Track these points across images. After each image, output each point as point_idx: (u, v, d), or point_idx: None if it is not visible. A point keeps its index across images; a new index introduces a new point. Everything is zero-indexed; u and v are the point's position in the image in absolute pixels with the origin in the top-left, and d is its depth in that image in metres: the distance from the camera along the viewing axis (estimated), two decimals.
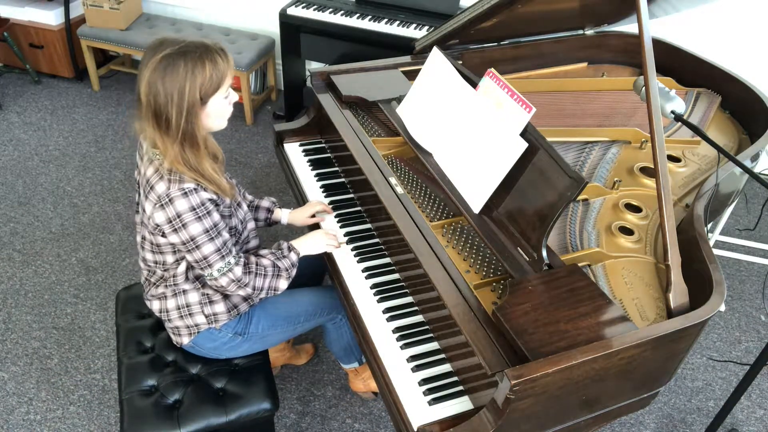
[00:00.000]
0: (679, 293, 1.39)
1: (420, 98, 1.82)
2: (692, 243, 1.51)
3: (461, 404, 1.40)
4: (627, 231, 1.68)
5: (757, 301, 2.75)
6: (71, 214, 2.98)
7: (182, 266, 1.58)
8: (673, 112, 1.64)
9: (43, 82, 4.01)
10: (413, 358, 1.49)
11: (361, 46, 3.17)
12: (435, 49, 1.81)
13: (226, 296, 1.65)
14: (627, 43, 2.49)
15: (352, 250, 1.78)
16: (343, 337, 1.95)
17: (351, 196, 1.98)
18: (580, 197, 1.78)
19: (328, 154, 2.15)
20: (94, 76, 3.91)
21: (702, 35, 3.05)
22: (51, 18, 3.73)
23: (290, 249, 1.68)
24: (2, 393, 2.19)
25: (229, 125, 1.57)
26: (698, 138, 2.06)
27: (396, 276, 1.71)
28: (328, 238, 1.75)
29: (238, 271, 1.54)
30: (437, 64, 1.78)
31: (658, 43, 2.15)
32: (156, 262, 1.61)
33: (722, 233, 3.06)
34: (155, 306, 1.69)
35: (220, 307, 1.64)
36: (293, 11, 3.17)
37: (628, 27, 2.48)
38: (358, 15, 3.12)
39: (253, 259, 1.60)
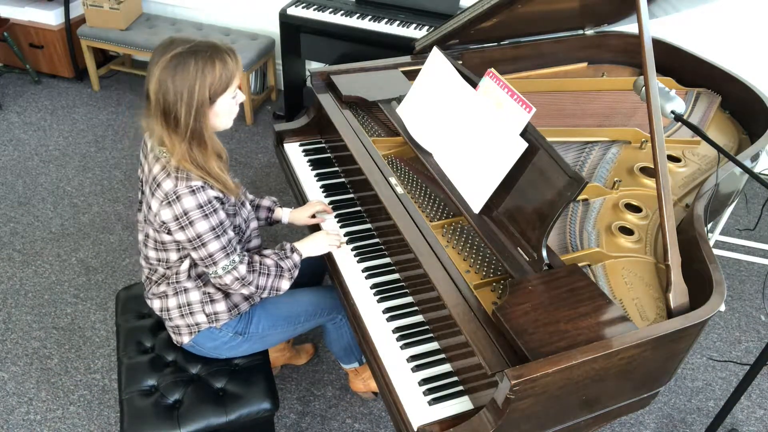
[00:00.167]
0: (679, 293, 1.39)
1: (420, 98, 1.82)
2: (692, 243, 1.51)
3: (461, 404, 1.40)
4: (627, 231, 1.68)
5: (757, 301, 2.75)
6: (71, 214, 2.98)
7: (185, 264, 1.58)
8: (673, 112, 1.65)
9: (43, 82, 4.01)
10: (413, 358, 1.49)
11: (361, 46, 3.17)
12: (435, 49, 1.81)
13: (227, 295, 1.65)
14: (627, 43, 2.50)
15: (352, 250, 1.78)
16: (343, 337, 1.95)
17: (351, 196, 1.98)
18: (580, 197, 1.78)
19: (328, 154, 2.15)
20: (94, 76, 3.91)
21: (702, 35, 3.05)
22: (51, 18, 3.73)
23: (293, 250, 1.68)
24: (2, 393, 2.19)
25: None
26: (698, 138, 2.06)
27: (396, 276, 1.71)
28: (330, 239, 1.75)
29: (243, 269, 1.55)
30: (437, 64, 1.78)
31: (658, 43, 2.15)
32: (159, 260, 1.61)
33: (722, 233, 3.06)
34: (156, 305, 1.69)
35: (220, 306, 1.64)
36: (293, 11, 3.17)
37: (628, 27, 2.48)
38: (358, 15, 3.12)
39: (256, 258, 1.61)
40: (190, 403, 1.65)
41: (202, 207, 1.44)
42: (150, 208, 1.48)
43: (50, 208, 3.01)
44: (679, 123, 1.74)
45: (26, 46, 3.86)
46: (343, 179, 2.05)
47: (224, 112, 1.48)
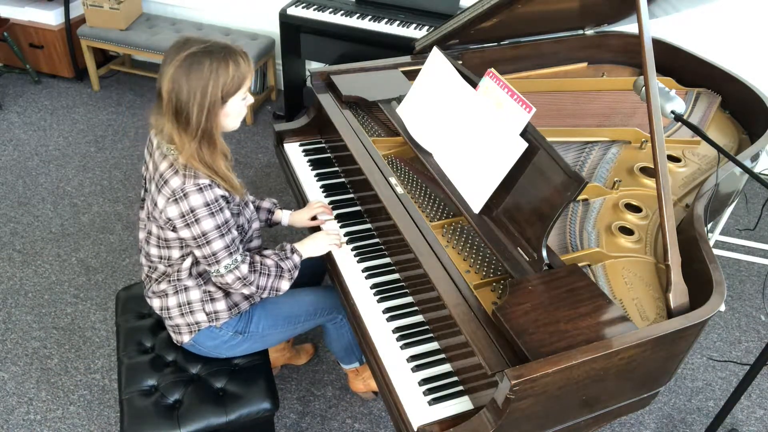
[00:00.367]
0: (679, 293, 1.39)
1: (420, 98, 1.82)
2: (692, 243, 1.51)
3: (461, 404, 1.40)
4: (627, 231, 1.68)
5: (757, 301, 2.75)
6: (71, 214, 2.98)
7: (187, 262, 1.59)
8: (673, 112, 1.65)
9: (43, 82, 4.01)
10: (413, 358, 1.49)
11: (361, 46, 3.17)
12: (435, 49, 1.81)
13: (227, 294, 1.65)
14: (627, 43, 2.50)
15: (352, 250, 1.78)
16: (343, 337, 1.95)
17: (351, 196, 1.98)
18: (580, 197, 1.78)
19: (328, 154, 2.15)
20: (94, 76, 3.91)
21: (702, 35, 3.05)
22: (51, 18, 3.73)
23: (293, 251, 1.69)
24: (2, 393, 2.19)
25: None
26: (698, 138, 2.06)
27: (396, 276, 1.71)
28: (330, 238, 1.76)
29: (245, 268, 1.55)
30: (437, 64, 1.78)
31: (658, 43, 2.15)
32: (161, 257, 1.61)
33: (722, 233, 3.06)
34: (155, 304, 1.69)
35: (221, 305, 1.64)
36: (293, 11, 3.17)
37: (628, 27, 2.48)
38: (358, 15, 3.12)
39: (257, 258, 1.61)
40: (190, 403, 1.65)
41: (208, 205, 1.45)
42: (156, 204, 1.49)
43: (50, 208, 3.01)
44: (679, 123, 1.74)
45: (26, 46, 3.86)
46: (343, 179, 2.05)
47: (234, 113, 1.50)
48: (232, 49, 1.44)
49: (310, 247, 1.73)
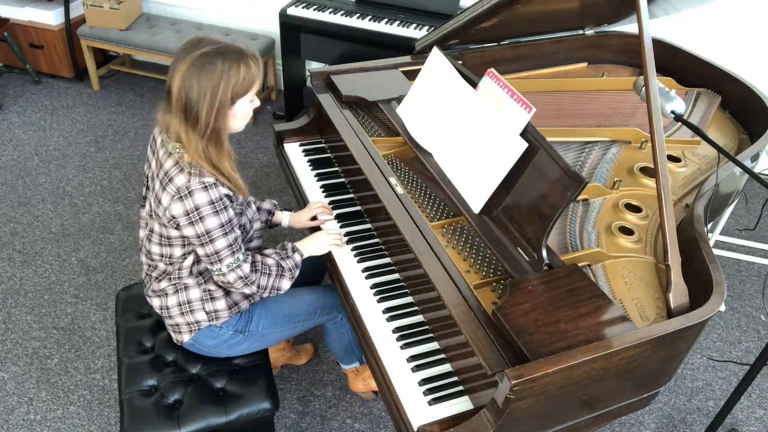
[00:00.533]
0: (679, 293, 1.39)
1: (420, 98, 1.82)
2: (692, 243, 1.51)
3: (461, 404, 1.40)
4: (627, 231, 1.68)
5: (757, 301, 2.75)
6: (71, 214, 2.98)
7: (188, 260, 1.59)
8: (673, 112, 1.65)
9: (43, 82, 4.01)
10: (413, 358, 1.49)
11: (361, 46, 3.17)
12: (435, 49, 1.81)
13: (227, 293, 1.65)
14: (627, 43, 2.50)
15: (352, 250, 1.78)
16: (343, 337, 1.95)
17: (351, 196, 1.98)
18: (580, 197, 1.78)
19: (328, 154, 2.15)
20: (94, 76, 3.91)
21: (702, 35, 3.05)
22: (51, 18, 3.73)
23: (294, 250, 1.69)
24: (2, 393, 2.19)
25: None
26: (698, 138, 2.06)
27: (396, 276, 1.71)
28: (331, 238, 1.76)
29: (247, 267, 1.56)
30: (437, 64, 1.78)
31: (658, 43, 2.15)
32: (162, 255, 1.61)
33: (722, 233, 3.06)
34: (155, 303, 1.69)
35: (221, 303, 1.65)
36: (293, 11, 3.17)
37: (628, 27, 2.48)
38: (358, 15, 3.12)
39: (258, 257, 1.62)
40: (190, 403, 1.65)
41: (213, 203, 1.46)
42: (160, 202, 1.49)
43: (50, 208, 3.01)
44: (679, 123, 1.74)
45: (26, 46, 3.86)
46: (343, 179, 2.05)
47: (241, 115, 1.51)
48: (244, 51, 1.45)
49: (310, 247, 1.73)
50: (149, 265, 1.67)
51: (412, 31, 3.03)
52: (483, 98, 1.61)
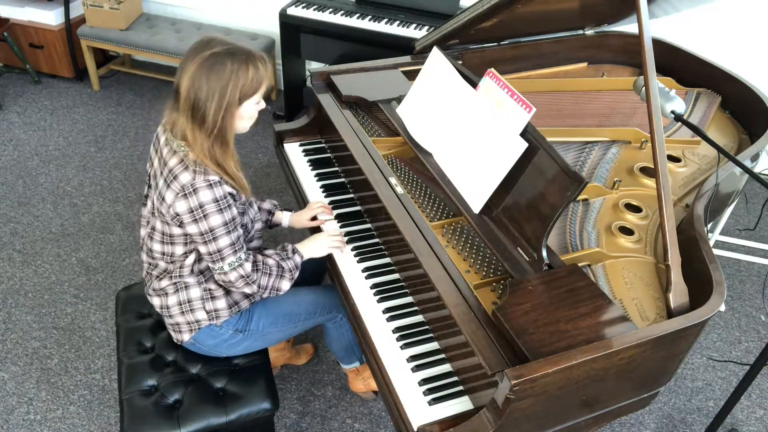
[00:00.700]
0: (679, 293, 1.39)
1: (420, 98, 1.82)
2: (692, 243, 1.51)
3: (461, 404, 1.40)
4: (627, 231, 1.68)
5: (757, 301, 2.75)
6: (71, 214, 2.98)
7: (190, 258, 1.59)
8: (673, 112, 1.65)
9: (43, 82, 4.01)
10: (413, 358, 1.49)
11: (361, 46, 3.17)
12: (435, 49, 1.81)
13: (227, 292, 1.65)
14: (627, 43, 2.50)
15: (352, 250, 1.78)
16: (343, 337, 1.95)
17: (351, 196, 1.98)
18: (580, 197, 1.78)
19: (328, 154, 2.15)
20: (94, 76, 3.91)
21: (702, 35, 3.05)
22: (51, 18, 3.73)
23: (294, 251, 1.69)
24: (2, 393, 2.19)
25: None
26: (698, 138, 2.06)
27: (396, 276, 1.71)
28: (331, 241, 1.76)
29: (248, 267, 1.56)
30: (437, 64, 1.78)
31: (658, 43, 2.15)
32: (163, 254, 1.61)
33: (722, 233, 3.06)
34: (156, 302, 1.69)
35: (221, 303, 1.65)
36: (293, 11, 3.17)
37: (628, 27, 2.48)
38: (358, 15, 3.12)
39: (259, 257, 1.62)
40: (190, 403, 1.65)
41: (217, 201, 1.46)
42: (163, 199, 1.49)
43: (50, 208, 3.01)
44: (679, 123, 1.74)
45: (26, 46, 3.86)
46: (343, 179, 2.05)
47: (247, 116, 1.52)
48: (253, 53, 1.47)
49: (311, 248, 1.73)
50: (150, 264, 1.67)
51: (412, 31, 3.03)
52: (483, 98, 1.61)
